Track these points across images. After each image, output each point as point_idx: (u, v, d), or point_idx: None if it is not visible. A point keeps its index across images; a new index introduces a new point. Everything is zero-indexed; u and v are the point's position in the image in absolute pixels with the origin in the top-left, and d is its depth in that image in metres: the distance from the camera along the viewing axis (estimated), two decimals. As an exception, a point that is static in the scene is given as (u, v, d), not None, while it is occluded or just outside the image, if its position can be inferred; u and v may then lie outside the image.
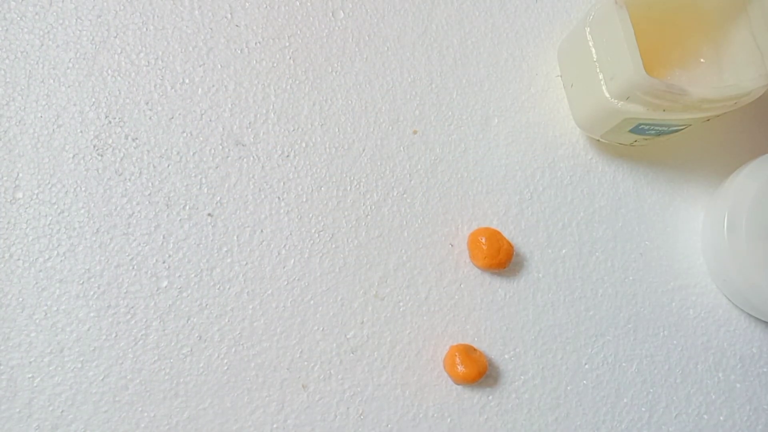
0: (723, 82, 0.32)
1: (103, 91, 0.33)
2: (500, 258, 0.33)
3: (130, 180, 0.33)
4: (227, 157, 0.33)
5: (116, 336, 0.31)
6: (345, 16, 0.36)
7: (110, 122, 0.33)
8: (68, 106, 0.33)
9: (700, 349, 0.35)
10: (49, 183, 0.32)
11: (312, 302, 0.32)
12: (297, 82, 0.35)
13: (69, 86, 0.33)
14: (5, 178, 0.32)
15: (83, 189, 0.32)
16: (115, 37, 0.34)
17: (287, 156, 0.34)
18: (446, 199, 0.34)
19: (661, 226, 0.36)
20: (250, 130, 0.34)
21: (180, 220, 0.32)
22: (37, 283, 0.31)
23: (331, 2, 0.36)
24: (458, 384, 0.32)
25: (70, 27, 0.34)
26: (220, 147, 0.33)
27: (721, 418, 0.34)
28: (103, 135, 0.33)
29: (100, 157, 0.33)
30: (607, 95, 0.31)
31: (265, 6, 0.35)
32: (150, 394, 0.30)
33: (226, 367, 0.31)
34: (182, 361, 0.31)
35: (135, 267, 0.32)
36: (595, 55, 0.31)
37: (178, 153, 0.33)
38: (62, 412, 0.30)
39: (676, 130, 0.33)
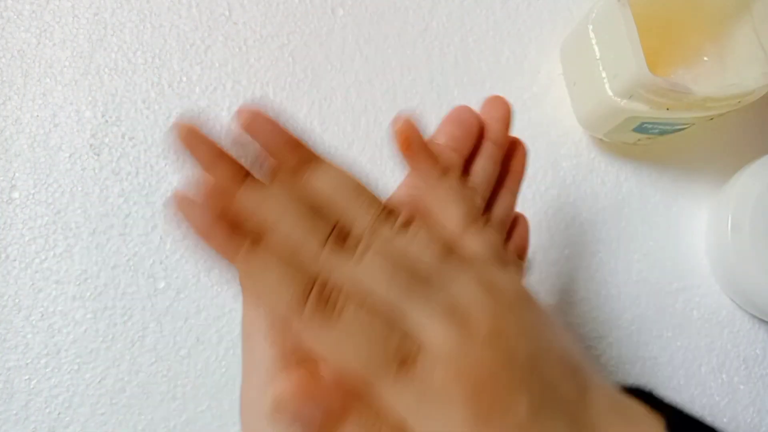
0: (726, 81, 0.31)
1: (100, 89, 0.33)
2: (502, 258, 0.32)
3: (126, 180, 0.32)
4: (226, 156, 0.33)
5: (113, 338, 0.30)
6: (345, 14, 0.36)
7: (107, 121, 0.33)
8: (65, 105, 0.33)
9: (703, 350, 0.34)
10: (45, 183, 0.32)
11: (311, 303, 0.32)
12: (296, 80, 0.34)
13: (65, 85, 0.33)
14: (1, 178, 0.32)
15: (80, 189, 0.32)
16: (112, 35, 0.34)
17: (286, 155, 0.33)
18: (447, 198, 0.34)
19: (664, 227, 0.35)
20: (248, 129, 0.33)
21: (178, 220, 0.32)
22: (33, 284, 0.31)
23: None
24: None
25: (67, 25, 0.34)
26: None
27: (725, 420, 0.34)
28: (99, 134, 0.33)
29: (96, 157, 0.32)
30: (610, 93, 0.30)
31: (263, 3, 0.35)
32: (147, 397, 0.30)
33: (224, 369, 0.31)
34: (180, 363, 0.31)
35: (132, 268, 0.31)
36: (597, 53, 0.31)
37: (175, 152, 0.33)
38: (59, 414, 0.30)
39: (680, 129, 0.32)
